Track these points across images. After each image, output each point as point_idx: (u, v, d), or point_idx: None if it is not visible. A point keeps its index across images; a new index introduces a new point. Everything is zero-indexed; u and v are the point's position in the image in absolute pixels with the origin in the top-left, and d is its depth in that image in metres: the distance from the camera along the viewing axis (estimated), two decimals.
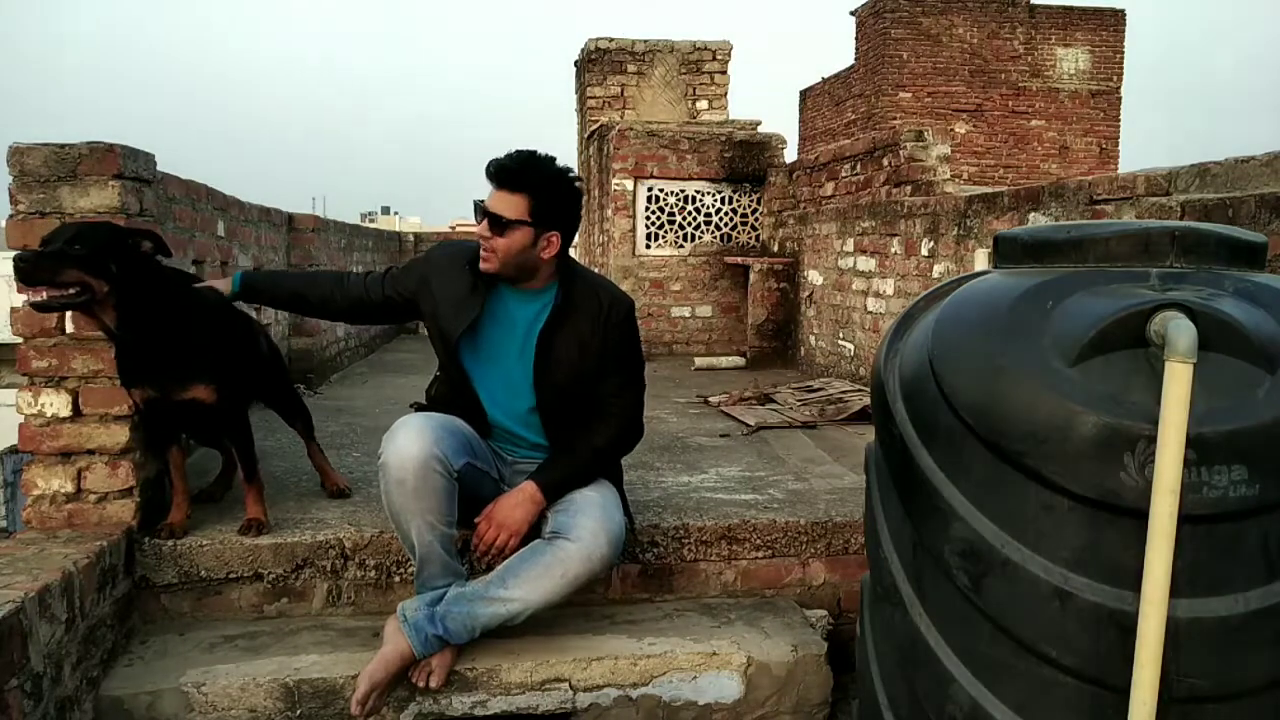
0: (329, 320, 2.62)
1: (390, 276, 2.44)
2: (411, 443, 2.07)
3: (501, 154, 2.20)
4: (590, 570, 2.13)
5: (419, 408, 2.42)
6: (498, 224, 2.15)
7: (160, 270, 2.31)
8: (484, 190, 2.21)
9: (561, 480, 2.24)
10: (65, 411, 2.35)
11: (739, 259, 6.84)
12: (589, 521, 2.14)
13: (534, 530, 2.24)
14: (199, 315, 2.36)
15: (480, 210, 2.18)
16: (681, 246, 7.07)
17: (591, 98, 9.35)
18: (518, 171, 2.16)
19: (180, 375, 2.32)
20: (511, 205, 2.15)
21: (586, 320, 2.27)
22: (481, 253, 2.19)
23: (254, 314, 3.19)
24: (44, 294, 2.09)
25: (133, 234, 2.23)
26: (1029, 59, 14.63)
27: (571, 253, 2.42)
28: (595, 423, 2.30)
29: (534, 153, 2.19)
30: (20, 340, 2.36)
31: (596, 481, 2.28)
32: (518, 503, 2.20)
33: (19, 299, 2.24)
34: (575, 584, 2.13)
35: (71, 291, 2.11)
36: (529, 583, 2.11)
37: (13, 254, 2.25)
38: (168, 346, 2.28)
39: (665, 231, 7.05)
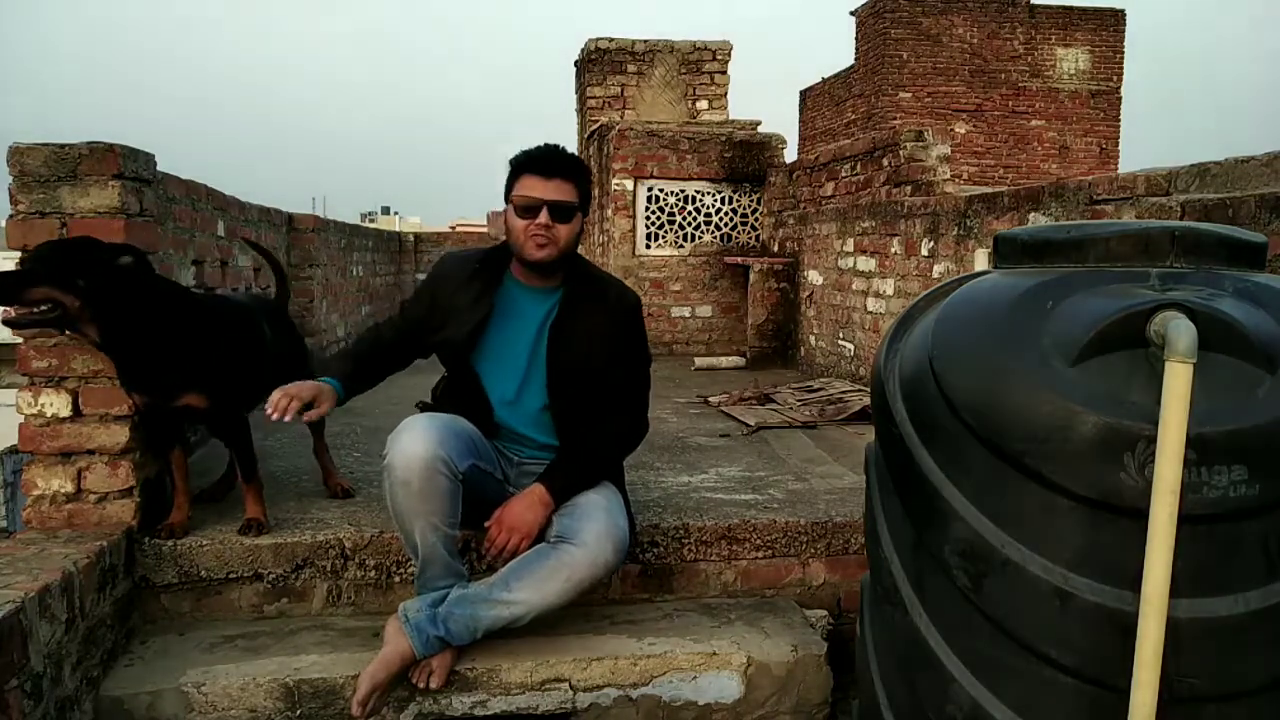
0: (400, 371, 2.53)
1: (404, 312, 2.45)
2: (417, 444, 2.07)
3: (522, 150, 2.27)
4: (595, 576, 2.14)
5: (424, 407, 2.42)
6: (565, 212, 2.21)
7: (145, 283, 2.28)
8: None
9: (571, 482, 2.24)
10: (65, 411, 2.35)
11: (739, 259, 6.85)
12: (595, 526, 2.14)
13: (539, 535, 2.24)
14: (190, 325, 2.35)
15: (535, 203, 2.19)
16: (681, 246, 7.07)
17: (591, 98, 9.35)
18: (566, 160, 2.24)
19: (171, 384, 2.32)
20: (569, 192, 2.23)
21: (598, 313, 2.30)
22: (538, 241, 2.21)
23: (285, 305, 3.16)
24: (13, 312, 2.09)
25: (111, 249, 2.21)
26: (1029, 59, 14.63)
27: None
28: (602, 422, 2.31)
29: (558, 144, 2.28)
30: (20, 340, 2.36)
31: (602, 485, 2.29)
32: (528, 505, 2.20)
33: None
34: (579, 589, 2.13)
35: (42, 309, 2.11)
36: (533, 586, 2.11)
37: (13, 254, 2.26)
38: (157, 357, 2.28)
39: (665, 231, 7.05)
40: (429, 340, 2.38)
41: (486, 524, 2.24)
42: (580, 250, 2.40)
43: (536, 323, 2.31)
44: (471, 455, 2.19)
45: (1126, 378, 1.27)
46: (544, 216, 2.19)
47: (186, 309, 2.38)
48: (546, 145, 2.26)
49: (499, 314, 2.31)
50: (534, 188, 2.20)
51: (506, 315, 2.31)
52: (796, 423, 4.16)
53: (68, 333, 2.35)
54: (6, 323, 2.11)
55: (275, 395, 2.11)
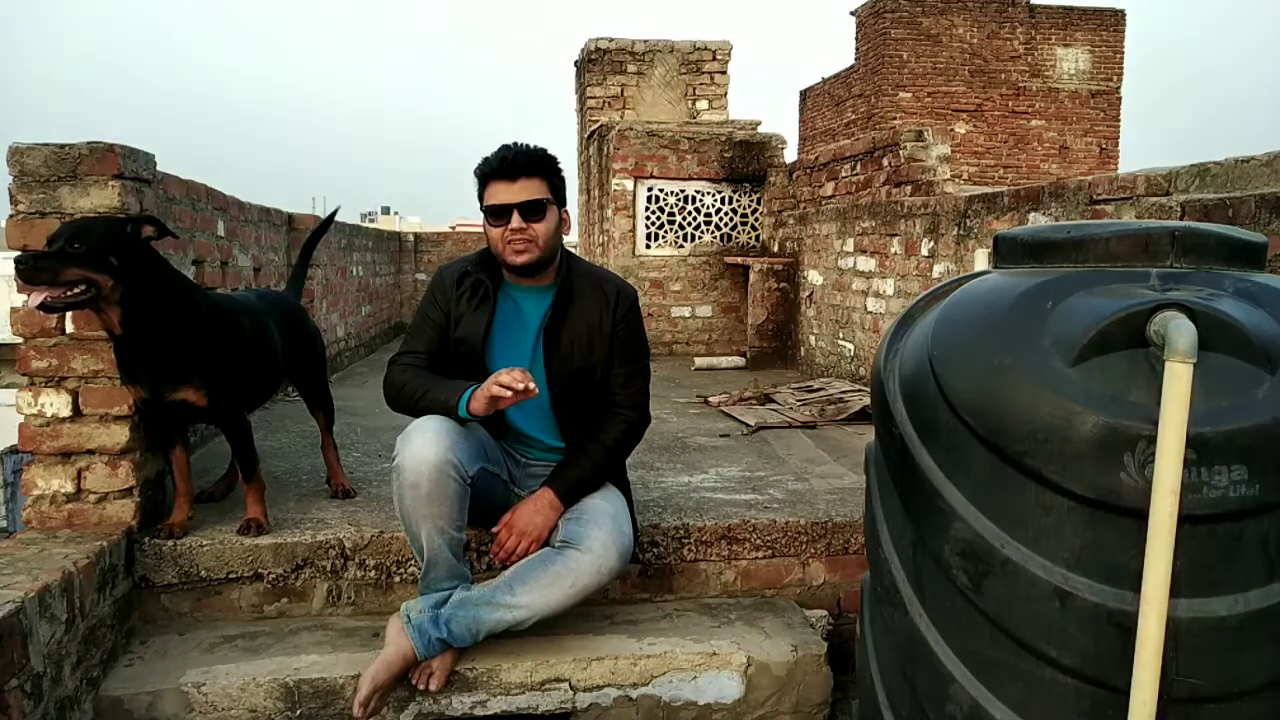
0: None
1: (427, 325, 2.35)
2: (428, 447, 2.06)
3: (483, 159, 2.25)
4: (599, 582, 2.14)
5: None
6: (535, 209, 2.20)
7: (161, 264, 2.31)
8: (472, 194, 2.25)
9: (578, 484, 2.24)
10: (65, 411, 2.35)
11: (739, 259, 6.85)
12: (600, 534, 2.14)
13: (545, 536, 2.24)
14: (195, 316, 2.35)
15: (503, 208, 2.19)
16: (681, 246, 7.07)
17: (591, 98, 9.35)
18: (528, 158, 2.21)
19: (170, 376, 2.31)
20: (536, 189, 2.21)
21: (594, 310, 2.29)
22: (516, 247, 2.20)
23: (304, 303, 3.17)
24: (46, 295, 2.07)
25: (132, 221, 2.22)
26: (1029, 59, 14.64)
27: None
28: (605, 419, 2.31)
29: (518, 142, 2.25)
30: (20, 340, 2.36)
31: (608, 490, 2.29)
32: (537, 509, 2.21)
33: (19, 299, 2.24)
34: (583, 594, 2.13)
35: (76, 290, 2.10)
36: (537, 590, 2.11)
37: (13, 254, 2.25)
38: (161, 346, 2.27)
39: (665, 231, 7.05)
40: (454, 346, 2.34)
41: (494, 529, 2.24)
42: (580, 250, 2.39)
43: (536, 322, 2.31)
44: (480, 459, 2.19)
45: (1126, 378, 1.27)
46: (515, 220, 2.18)
47: (192, 300, 2.38)
48: (505, 147, 2.24)
49: (501, 315, 2.31)
50: (500, 193, 2.20)
51: (508, 316, 2.31)
52: (796, 423, 4.16)
53: (68, 332, 2.35)
54: (40, 307, 2.09)
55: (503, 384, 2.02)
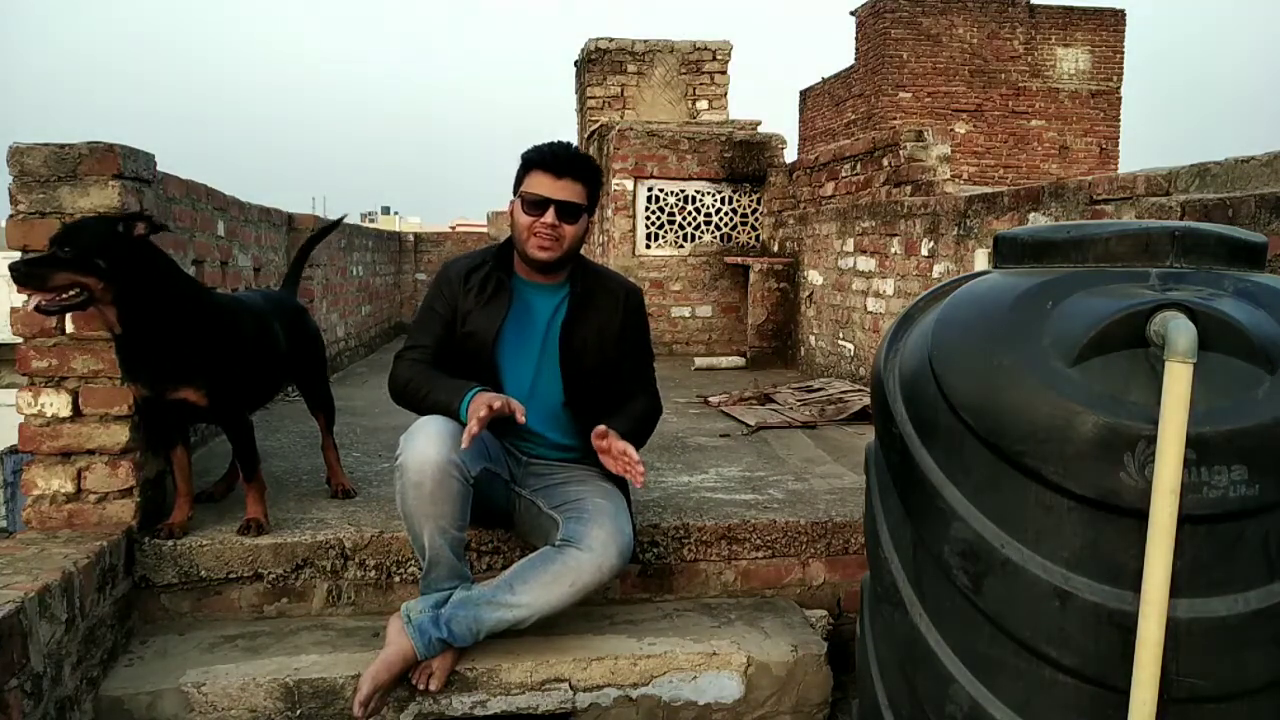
0: None
1: (431, 319, 2.36)
2: (431, 446, 2.06)
3: (534, 145, 2.28)
4: (599, 580, 2.14)
5: None
6: (572, 212, 2.23)
7: (162, 262, 2.30)
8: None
9: (628, 434, 2.21)
10: (65, 411, 2.35)
11: (739, 259, 6.85)
12: (601, 532, 2.14)
13: (543, 537, 2.25)
14: (197, 314, 2.35)
15: (543, 200, 2.21)
16: (681, 246, 7.07)
17: (591, 98, 9.35)
18: (578, 161, 2.24)
19: (172, 375, 2.31)
20: (578, 193, 2.24)
21: (606, 308, 2.33)
22: (541, 242, 2.23)
23: (305, 304, 3.17)
24: (39, 299, 2.10)
25: (124, 220, 2.22)
26: (1029, 59, 14.65)
27: None
28: (625, 401, 2.35)
29: (571, 143, 2.28)
30: (20, 340, 2.36)
31: (608, 490, 2.29)
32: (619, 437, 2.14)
33: (19, 299, 2.24)
34: (584, 593, 2.13)
35: (69, 294, 2.12)
36: (538, 589, 2.11)
37: (13, 254, 2.26)
38: (162, 345, 2.28)
39: (665, 231, 7.05)
40: (461, 341, 2.34)
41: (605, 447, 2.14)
42: (580, 250, 2.39)
43: (545, 319, 2.32)
44: (483, 458, 2.19)
45: (1126, 378, 1.27)
46: (550, 215, 2.21)
47: (194, 299, 2.37)
48: (560, 143, 2.27)
49: (513, 312, 2.32)
50: (543, 185, 2.21)
51: (518, 313, 2.32)
52: (796, 423, 4.16)
53: (68, 332, 2.35)
54: (38, 309, 2.12)
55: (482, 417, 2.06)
